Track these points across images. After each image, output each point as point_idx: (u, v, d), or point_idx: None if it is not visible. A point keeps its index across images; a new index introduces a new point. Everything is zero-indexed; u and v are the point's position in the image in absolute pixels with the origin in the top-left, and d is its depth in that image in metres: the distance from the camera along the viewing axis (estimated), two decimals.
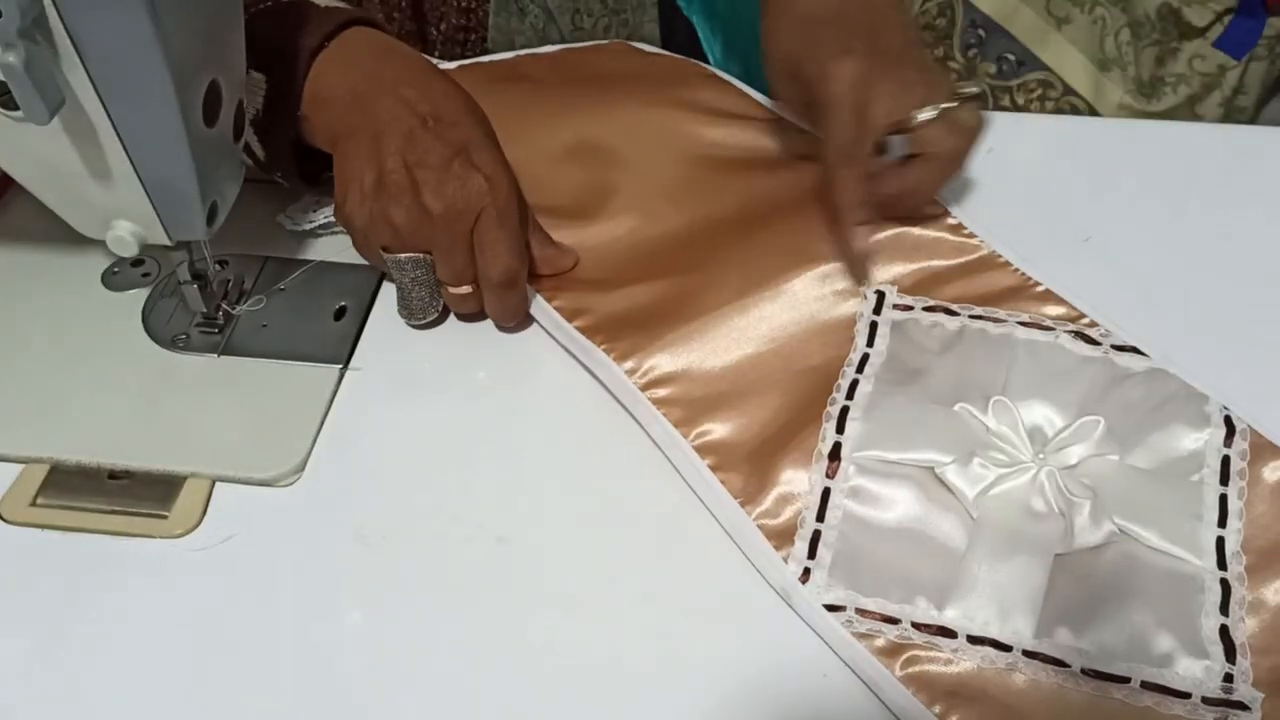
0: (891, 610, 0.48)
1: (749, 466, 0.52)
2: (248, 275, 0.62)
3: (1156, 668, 0.46)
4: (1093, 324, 0.57)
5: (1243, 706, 0.45)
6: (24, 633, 0.49)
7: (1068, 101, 1.24)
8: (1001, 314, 0.58)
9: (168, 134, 0.48)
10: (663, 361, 0.56)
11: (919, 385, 0.55)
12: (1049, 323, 0.57)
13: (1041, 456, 0.52)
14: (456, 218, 0.56)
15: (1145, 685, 0.45)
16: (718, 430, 0.54)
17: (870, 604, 0.48)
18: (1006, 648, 0.47)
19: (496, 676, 0.47)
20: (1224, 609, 0.47)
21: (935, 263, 0.61)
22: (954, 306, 0.59)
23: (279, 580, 0.50)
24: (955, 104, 0.58)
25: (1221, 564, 0.49)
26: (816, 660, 0.48)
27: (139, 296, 0.62)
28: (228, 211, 0.55)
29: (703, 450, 0.53)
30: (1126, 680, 0.46)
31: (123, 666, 0.48)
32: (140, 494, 0.53)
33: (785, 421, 0.54)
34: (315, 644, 0.48)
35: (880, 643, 0.47)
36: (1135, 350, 0.56)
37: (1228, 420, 0.53)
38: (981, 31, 1.24)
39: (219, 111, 0.52)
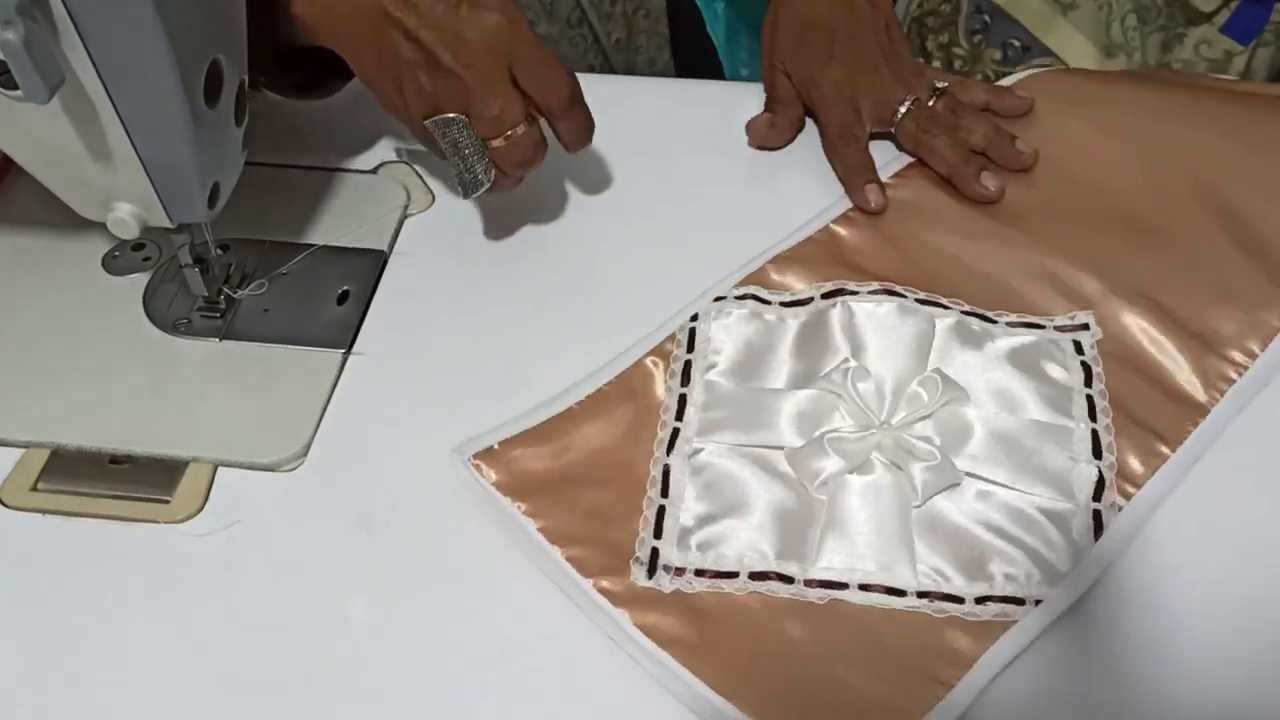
0: (729, 567, 0.49)
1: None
2: (249, 259, 0.62)
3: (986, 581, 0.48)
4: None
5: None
6: (25, 619, 0.48)
7: None
8: (852, 285, 0.59)
9: (168, 114, 0.48)
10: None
11: (768, 372, 0.56)
12: (899, 289, 0.58)
13: (885, 423, 0.52)
14: (486, 61, 0.55)
15: (981, 600, 0.48)
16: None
17: (707, 562, 0.49)
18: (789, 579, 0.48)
19: (501, 662, 0.47)
20: (1096, 533, 0.50)
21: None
22: (806, 293, 0.59)
23: (281, 566, 0.50)
24: (932, 100, 0.66)
25: (1097, 496, 0.51)
26: None
27: (140, 281, 0.61)
28: (229, 194, 0.55)
29: None
30: (961, 600, 0.48)
31: (124, 653, 0.47)
32: (142, 479, 0.53)
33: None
34: (318, 630, 0.48)
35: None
36: (984, 317, 0.58)
37: (1077, 345, 0.56)
38: (987, 17, 1.23)
39: (221, 91, 0.51)
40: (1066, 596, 0.48)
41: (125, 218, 0.52)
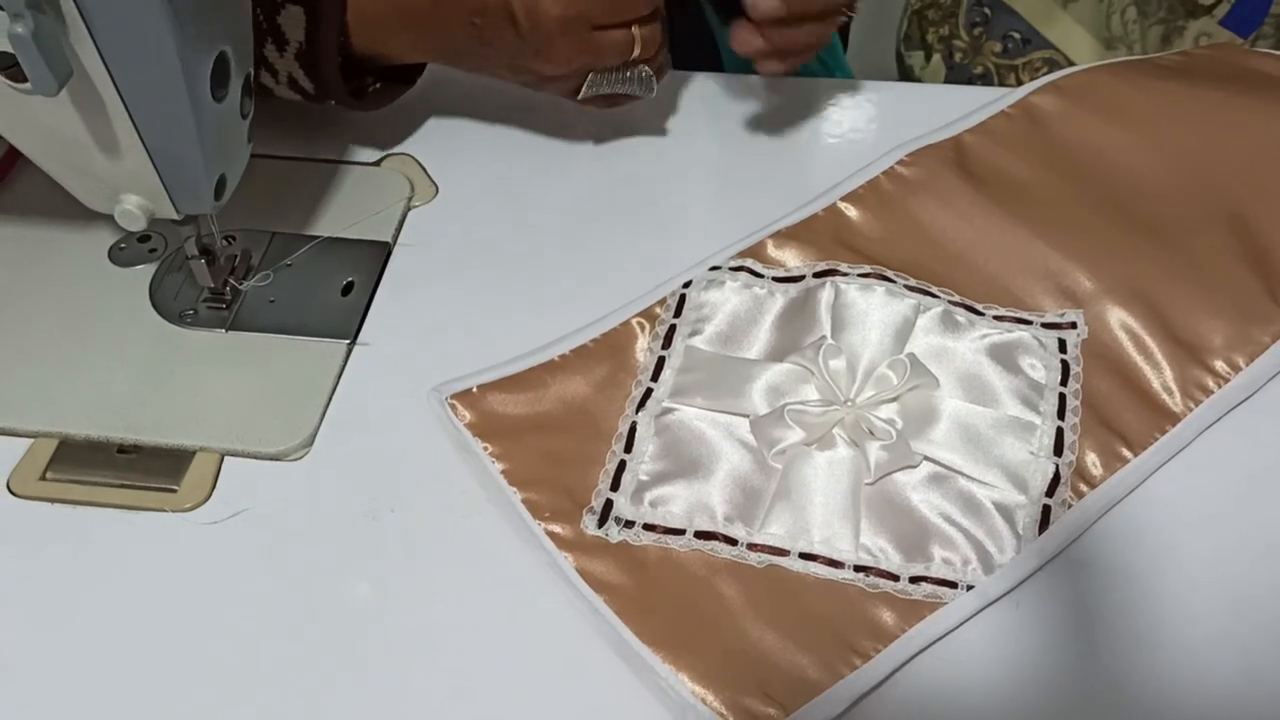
0: (677, 524, 0.50)
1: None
2: (255, 250, 0.62)
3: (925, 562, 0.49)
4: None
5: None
6: (34, 606, 0.49)
7: None
8: (844, 267, 0.59)
9: (176, 106, 0.48)
10: None
11: (750, 342, 0.57)
12: (890, 274, 0.59)
13: (849, 400, 0.53)
14: (565, 46, 0.58)
15: (916, 579, 0.49)
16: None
17: (657, 518, 0.50)
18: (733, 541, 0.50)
19: (506, 650, 0.47)
20: (1041, 527, 0.50)
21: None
22: (798, 270, 0.60)
23: (287, 554, 0.51)
24: None
25: (1050, 492, 0.51)
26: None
27: (146, 272, 0.62)
28: (236, 185, 0.55)
29: None
30: (896, 578, 0.49)
31: (131, 639, 0.48)
32: (149, 468, 0.53)
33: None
34: (324, 619, 0.48)
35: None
36: (972, 309, 0.58)
37: (1061, 344, 0.56)
38: (987, 9, 1.23)
39: (228, 83, 0.51)
40: (999, 585, 0.49)
41: (132, 209, 0.52)
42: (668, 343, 0.57)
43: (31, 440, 0.54)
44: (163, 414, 0.55)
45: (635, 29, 0.60)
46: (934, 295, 0.58)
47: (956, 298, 0.58)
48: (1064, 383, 0.55)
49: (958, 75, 1.24)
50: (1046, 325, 0.58)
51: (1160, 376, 0.56)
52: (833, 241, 0.62)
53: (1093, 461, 0.53)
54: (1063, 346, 0.57)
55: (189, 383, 0.57)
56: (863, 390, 0.53)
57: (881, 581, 0.49)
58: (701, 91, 0.75)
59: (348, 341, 0.59)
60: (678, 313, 0.58)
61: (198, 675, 0.47)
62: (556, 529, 0.50)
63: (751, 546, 0.50)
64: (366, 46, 0.62)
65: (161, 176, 0.51)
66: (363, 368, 0.58)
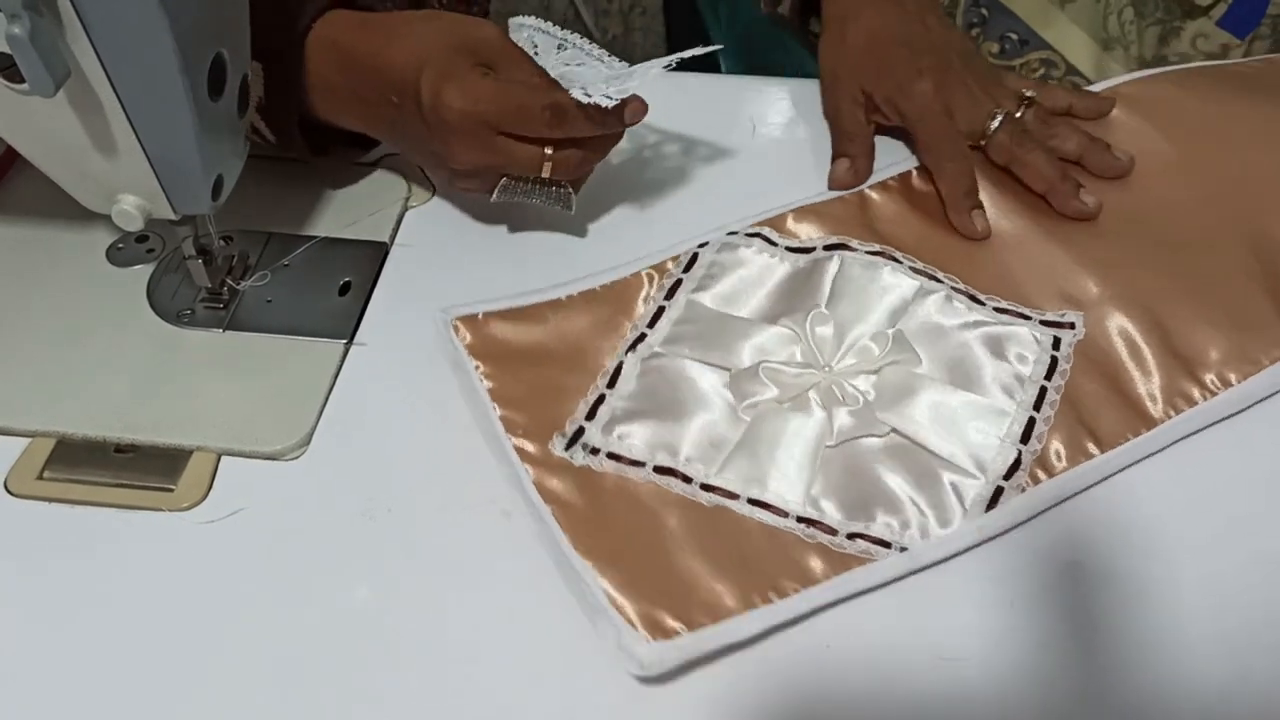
0: (639, 457, 0.52)
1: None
2: (252, 250, 0.63)
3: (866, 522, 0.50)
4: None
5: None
6: (32, 606, 0.49)
7: (1070, 81, 1.24)
8: (854, 243, 0.61)
9: (173, 106, 0.48)
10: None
11: (749, 303, 0.59)
12: (898, 256, 0.61)
13: (827, 366, 0.55)
14: (464, 145, 0.57)
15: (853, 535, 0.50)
16: None
17: (622, 449, 0.53)
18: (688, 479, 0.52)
19: (506, 651, 0.48)
20: (990, 506, 0.51)
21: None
22: (810, 242, 0.62)
23: (285, 554, 0.51)
24: (1019, 111, 0.65)
25: (1008, 475, 0.52)
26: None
27: (144, 272, 0.62)
28: (233, 185, 0.55)
29: None
30: (834, 532, 0.50)
31: (129, 639, 0.48)
32: (146, 467, 0.53)
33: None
34: (321, 618, 0.48)
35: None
36: (974, 298, 0.59)
37: (1055, 341, 0.57)
38: (984, 10, 1.23)
39: (224, 84, 0.51)
40: (932, 553, 0.50)
41: (130, 210, 0.53)
42: (671, 294, 0.59)
43: (29, 440, 0.54)
44: (160, 414, 0.55)
45: (549, 150, 0.57)
46: (938, 280, 0.59)
47: (961, 285, 0.60)
48: (1048, 377, 0.56)
49: None
50: (1045, 322, 0.58)
51: (1148, 383, 0.56)
52: (855, 224, 0.63)
53: (1057, 453, 0.53)
54: (1056, 344, 0.57)
55: (186, 382, 0.57)
56: (844, 359, 0.55)
57: (819, 534, 0.50)
58: (702, 93, 0.75)
59: (345, 341, 0.59)
60: (687, 269, 0.60)
61: (195, 675, 0.47)
62: (525, 445, 0.52)
63: (705, 487, 0.52)
64: (318, 111, 0.62)
65: (159, 177, 0.51)
66: (360, 367, 0.58)
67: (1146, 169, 0.67)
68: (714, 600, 0.47)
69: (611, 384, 0.55)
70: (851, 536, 0.50)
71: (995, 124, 0.65)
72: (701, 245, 0.62)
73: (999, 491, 0.51)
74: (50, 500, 0.52)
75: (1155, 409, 0.55)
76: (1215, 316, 0.58)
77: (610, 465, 0.52)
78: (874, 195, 0.65)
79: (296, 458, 0.54)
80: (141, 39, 0.46)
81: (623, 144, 0.61)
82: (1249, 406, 0.56)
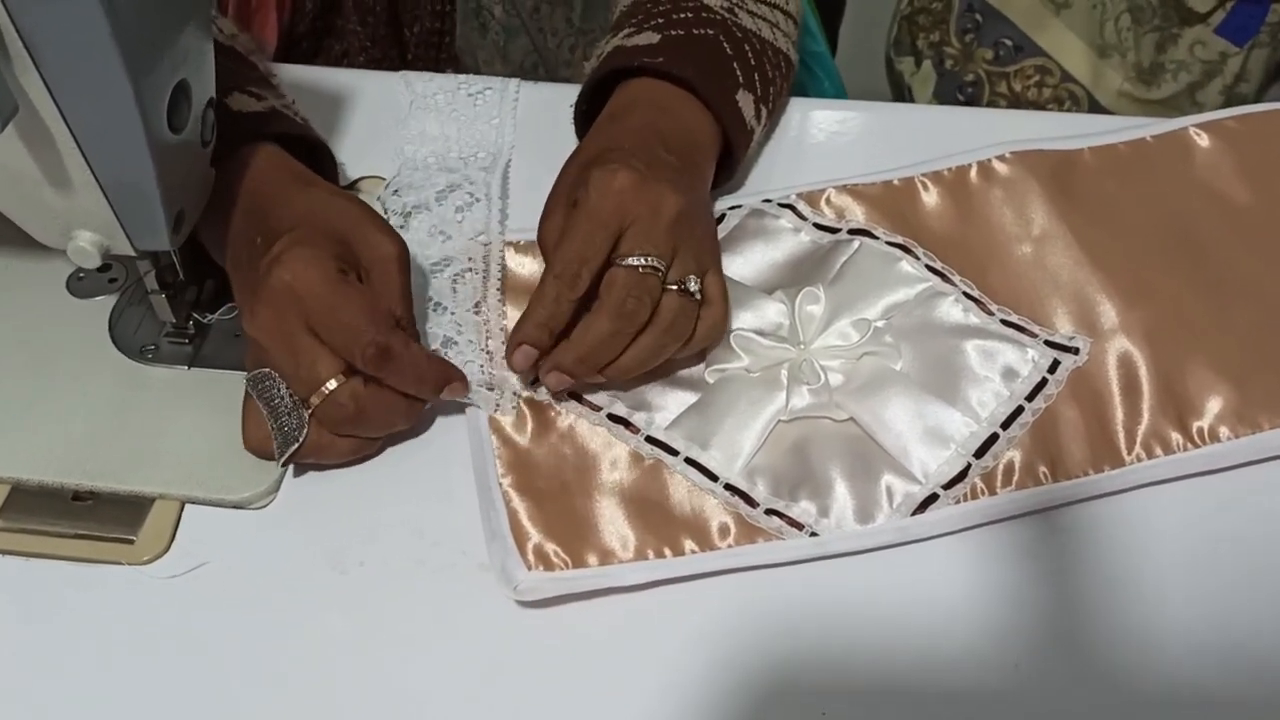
0: (599, 402, 0.54)
1: None
2: (220, 282, 0.60)
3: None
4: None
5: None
6: None
7: (1066, 89, 1.22)
8: (878, 231, 0.61)
9: (127, 138, 0.46)
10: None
11: (760, 271, 0.60)
12: (918, 251, 0.60)
13: (803, 344, 0.56)
14: (273, 321, 0.49)
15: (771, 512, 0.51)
16: None
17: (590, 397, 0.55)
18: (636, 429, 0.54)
19: (479, 705, 0.46)
20: (918, 510, 0.51)
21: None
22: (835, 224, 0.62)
23: (251, 608, 0.48)
24: (675, 286, 0.52)
25: (948, 485, 0.51)
26: None
27: (106, 304, 0.59)
28: (196, 220, 0.52)
29: None
30: (755, 505, 0.51)
31: (85, 702, 0.46)
32: (106, 516, 0.51)
33: None
34: (290, 678, 0.46)
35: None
36: (985, 307, 0.58)
37: (1054, 365, 0.56)
38: (979, 16, 1.21)
39: (188, 115, 0.49)
40: (841, 544, 0.50)
41: (86, 246, 0.50)
42: None
43: None
44: (121, 458, 0.52)
45: (339, 379, 0.49)
46: (952, 282, 0.59)
47: (975, 292, 0.59)
48: (1029, 398, 0.54)
49: (948, 83, 1.22)
50: (1050, 344, 0.57)
51: (1128, 419, 0.54)
52: (891, 211, 0.62)
53: (1007, 473, 0.52)
54: (1054, 367, 0.56)
55: (149, 424, 0.54)
56: (825, 340, 0.56)
57: (741, 503, 0.51)
58: None
59: None
60: None
61: None
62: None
63: (650, 440, 0.53)
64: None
65: (116, 212, 0.49)
66: None
67: (1218, 211, 0.63)
68: (609, 545, 0.49)
69: None
70: (769, 513, 0.51)
71: (643, 262, 0.51)
72: (733, 208, 0.62)
73: (933, 497, 0.51)
74: (3, 553, 0.50)
75: (1126, 450, 0.53)
76: (1233, 369, 0.56)
77: (571, 405, 0.54)
78: (924, 184, 0.64)
79: (264, 506, 0.52)
80: (94, 71, 0.43)
81: None
82: (1228, 468, 0.54)
